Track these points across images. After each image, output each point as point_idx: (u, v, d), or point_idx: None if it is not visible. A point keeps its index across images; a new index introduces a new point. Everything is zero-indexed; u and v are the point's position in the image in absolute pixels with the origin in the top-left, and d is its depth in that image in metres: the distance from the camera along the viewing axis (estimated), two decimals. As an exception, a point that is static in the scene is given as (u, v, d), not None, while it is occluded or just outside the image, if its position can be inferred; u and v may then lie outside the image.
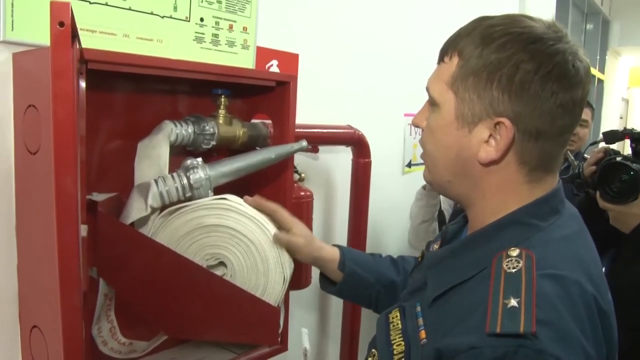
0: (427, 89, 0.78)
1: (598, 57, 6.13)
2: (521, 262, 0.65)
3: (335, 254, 1.06)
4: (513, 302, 0.61)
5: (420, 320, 0.74)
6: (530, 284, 0.62)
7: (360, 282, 1.07)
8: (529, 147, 0.70)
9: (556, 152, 0.72)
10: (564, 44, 0.69)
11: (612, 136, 1.61)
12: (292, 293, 1.20)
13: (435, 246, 0.86)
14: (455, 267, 0.74)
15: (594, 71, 5.96)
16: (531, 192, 0.73)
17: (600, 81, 6.36)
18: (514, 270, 0.65)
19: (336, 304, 1.73)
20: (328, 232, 1.71)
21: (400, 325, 0.77)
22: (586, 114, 2.35)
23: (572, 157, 1.91)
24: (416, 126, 0.82)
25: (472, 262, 0.72)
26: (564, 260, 0.68)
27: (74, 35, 0.57)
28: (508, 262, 0.66)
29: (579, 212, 0.79)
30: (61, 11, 0.47)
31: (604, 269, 1.70)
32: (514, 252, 0.67)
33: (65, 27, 0.47)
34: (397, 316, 0.79)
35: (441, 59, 0.76)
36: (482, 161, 0.71)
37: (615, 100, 7.48)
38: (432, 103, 0.77)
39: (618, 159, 1.48)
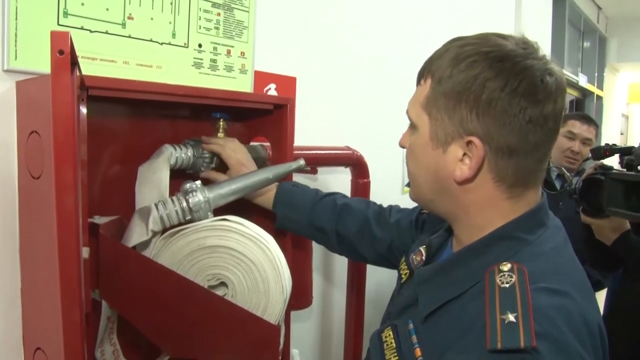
0: (407, 112, 0.80)
1: (596, 74, 6.16)
2: (514, 276, 0.66)
3: (269, 196, 1.15)
4: (510, 317, 0.61)
5: (414, 338, 0.74)
6: (525, 298, 0.63)
7: (293, 224, 1.15)
8: (503, 164, 0.71)
9: (533, 167, 0.72)
10: (532, 60, 0.69)
11: (597, 152, 1.63)
12: (293, 313, 1.21)
13: (417, 258, 0.86)
14: (447, 282, 0.74)
15: (593, 88, 5.99)
16: (513, 207, 0.73)
17: (600, 98, 6.38)
18: (507, 285, 0.65)
19: (338, 321, 1.73)
20: (328, 253, 1.72)
21: (394, 344, 0.77)
22: (590, 132, 2.36)
23: (569, 174, 1.93)
24: (401, 147, 0.84)
25: (464, 277, 0.72)
26: (554, 273, 0.69)
27: (74, 63, 0.59)
28: (501, 276, 0.67)
29: (562, 224, 0.80)
30: (61, 40, 0.49)
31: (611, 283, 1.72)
32: (506, 267, 0.68)
33: (64, 55, 0.49)
34: (390, 335, 0.79)
35: (418, 82, 0.78)
36: (457, 180, 0.72)
37: (615, 117, 7.50)
38: (411, 125, 0.79)
39: (598, 175, 1.49)
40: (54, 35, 0.49)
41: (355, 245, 1.12)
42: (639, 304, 1.54)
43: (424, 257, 0.85)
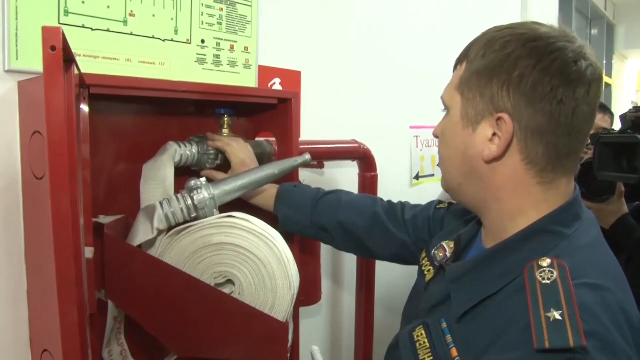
0: (441, 97, 0.80)
1: (605, 62, 6.11)
2: (555, 272, 0.64)
3: (270, 198, 1.14)
4: (556, 315, 0.59)
5: (449, 338, 0.72)
6: (569, 295, 0.61)
7: (296, 225, 1.14)
8: (532, 146, 0.69)
9: (564, 152, 0.70)
10: (567, 43, 0.68)
11: (594, 139, 1.64)
12: (303, 310, 1.20)
13: (439, 253, 0.84)
14: (483, 279, 0.72)
15: (601, 76, 5.93)
16: (545, 196, 0.71)
17: (608, 85, 6.33)
18: (549, 282, 0.63)
19: (348, 319, 1.72)
20: (336, 250, 1.71)
21: (427, 344, 0.74)
22: (605, 121, 2.32)
23: None
24: (435, 137, 0.83)
25: (501, 273, 0.70)
26: (593, 268, 0.66)
27: (69, 60, 0.58)
28: (541, 272, 0.65)
29: (595, 217, 0.78)
30: (52, 35, 0.48)
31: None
32: (545, 262, 0.65)
33: (57, 51, 0.48)
34: (422, 334, 0.76)
35: (455, 67, 0.78)
36: (485, 159, 0.71)
37: (624, 104, 7.43)
38: (445, 109, 0.79)
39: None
40: (46, 30, 0.48)
41: (364, 241, 1.10)
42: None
43: (448, 253, 0.83)
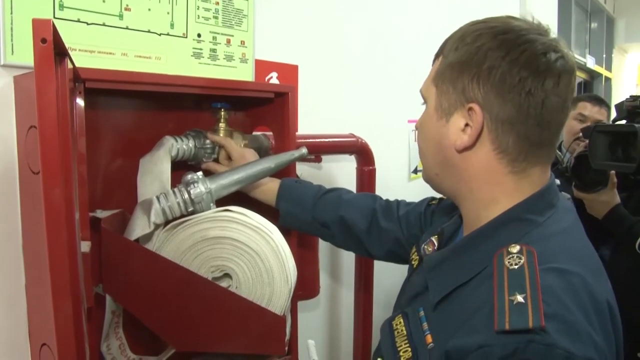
0: (420, 90, 0.82)
1: (604, 55, 6.09)
2: (523, 258, 0.65)
3: (271, 193, 1.15)
4: (519, 298, 0.60)
5: (425, 325, 0.74)
6: (534, 279, 0.62)
7: (297, 220, 1.15)
8: (503, 136, 0.70)
9: (536, 142, 0.71)
10: (538, 35, 0.69)
11: (586, 131, 1.65)
12: (301, 304, 1.20)
13: (429, 248, 0.85)
14: (456, 268, 0.73)
15: (601, 69, 5.92)
16: (518, 185, 0.72)
17: (608, 79, 6.32)
18: (516, 267, 0.64)
19: (347, 314, 1.73)
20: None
21: (405, 332, 0.76)
22: (601, 114, 2.31)
23: (560, 153, 1.98)
24: (416, 129, 0.84)
25: (473, 262, 0.71)
26: (563, 254, 0.67)
27: (62, 53, 0.58)
28: (509, 258, 0.66)
29: (573, 205, 0.79)
30: (43, 28, 0.48)
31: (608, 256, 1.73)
32: (515, 249, 0.67)
33: (47, 44, 0.48)
34: (400, 322, 0.78)
35: (433, 62, 0.80)
36: (458, 148, 0.73)
37: (624, 98, 7.42)
38: (423, 102, 0.80)
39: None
40: (36, 23, 0.47)
41: (362, 240, 1.11)
42: (629, 282, 1.55)
43: (436, 246, 0.84)
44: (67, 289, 0.54)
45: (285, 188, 1.15)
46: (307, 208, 1.14)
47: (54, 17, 0.94)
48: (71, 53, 0.97)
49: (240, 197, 1.12)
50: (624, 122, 1.67)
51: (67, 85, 0.60)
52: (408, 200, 1.15)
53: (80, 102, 0.82)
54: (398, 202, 1.14)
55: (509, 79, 0.68)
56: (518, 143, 0.70)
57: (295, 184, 1.17)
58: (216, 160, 1.14)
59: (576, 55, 4.87)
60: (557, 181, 2.07)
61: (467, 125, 0.72)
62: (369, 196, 1.18)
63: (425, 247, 0.86)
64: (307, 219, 1.14)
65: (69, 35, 0.97)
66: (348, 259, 1.70)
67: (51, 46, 0.49)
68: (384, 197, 1.17)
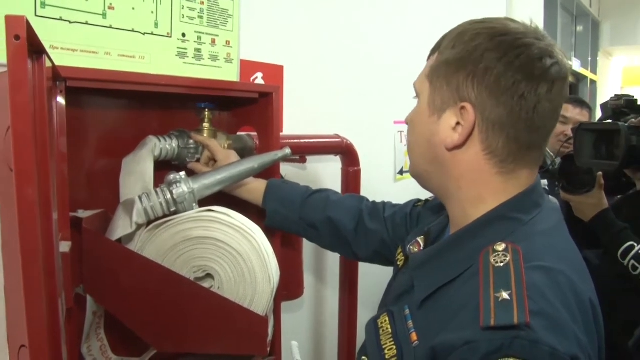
0: (413, 84, 0.81)
1: (590, 59, 6.15)
2: (508, 256, 0.66)
3: (258, 193, 1.14)
4: (504, 295, 0.61)
5: (410, 323, 0.74)
6: (519, 276, 0.62)
7: (284, 220, 1.14)
8: (493, 137, 0.71)
9: (525, 145, 0.72)
10: (535, 40, 0.70)
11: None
12: (286, 305, 1.20)
13: (414, 248, 0.85)
14: (442, 266, 0.74)
15: (587, 72, 5.97)
16: (505, 185, 0.73)
17: (593, 82, 6.37)
18: (502, 265, 0.65)
19: (331, 315, 1.73)
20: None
21: (390, 330, 0.76)
22: (583, 115, 2.34)
23: (551, 154, 2.00)
24: (406, 123, 0.84)
25: (459, 260, 0.72)
26: (549, 252, 0.68)
27: (38, 51, 0.58)
28: (495, 256, 0.66)
29: (559, 206, 0.80)
30: (16, 24, 0.47)
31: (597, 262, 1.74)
32: (501, 247, 0.67)
33: (21, 41, 0.48)
34: (386, 321, 0.78)
35: (428, 57, 0.80)
36: (448, 146, 0.73)
37: (609, 100, 7.48)
38: (416, 96, 0.81)
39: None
40: (9, 19, 0.47)
41: (349, 241, 1.12)
42: (617, 287, 1.56)
43: (422, 246, 0.84)
44: (40, 289, 0.53)
45: (273, 188, 1.15)
46: (294, 208, 1.13)
47: (35, 15, 0.94)
48: (53, 52, 0.97)
49: (224, 198, 1.11)
50: (609, 121, 1.68)
51: (44, 84, 0.60)
52: (394, 201, 1.15)
53: (61, 101, 0.81)
54: (384, 204, 1.14)
55: (503, 81, 0.68)
56: (507, 145, 0.71)
57: (283, 184, 1.17)
58: (199, 161, 1.14)
59: (562, 58, 4.90)
60: (545, 181, 2.10)
61: (458, 124, 0.72)
62: (355, 197, 1.18)
63: (411, 247, 0.86)
64: (294, 219, 1.14)
65: (51, 34, 0.96)
66: (333, 259, 1.70)
67: (25, 43, 0.48)
68: (370, 199, 1.17)
